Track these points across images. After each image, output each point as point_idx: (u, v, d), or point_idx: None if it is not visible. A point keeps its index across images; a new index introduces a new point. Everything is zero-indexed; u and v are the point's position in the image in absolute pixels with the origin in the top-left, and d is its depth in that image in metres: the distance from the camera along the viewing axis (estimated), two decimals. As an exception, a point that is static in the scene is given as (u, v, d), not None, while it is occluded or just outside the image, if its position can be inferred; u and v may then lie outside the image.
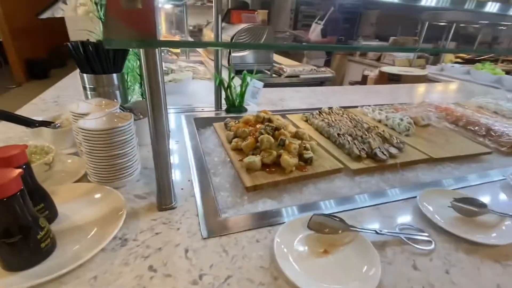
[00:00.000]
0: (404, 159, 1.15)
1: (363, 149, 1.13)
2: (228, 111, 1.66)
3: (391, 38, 4.22)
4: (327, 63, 4.80)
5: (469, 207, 0.82)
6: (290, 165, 1.00)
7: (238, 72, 3.02)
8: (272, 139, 1.09)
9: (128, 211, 0.77)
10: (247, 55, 2.86)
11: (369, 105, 1.72)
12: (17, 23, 6.84)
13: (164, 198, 0.82)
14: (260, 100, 1.93)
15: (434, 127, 1.56)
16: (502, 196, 0.99)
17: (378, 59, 4.39)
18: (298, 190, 0.99)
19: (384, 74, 3.27)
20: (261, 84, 1.77)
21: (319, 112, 1.54)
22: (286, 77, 3.10)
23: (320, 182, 1.03)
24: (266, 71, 3.08)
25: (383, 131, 1.30)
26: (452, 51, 6.47)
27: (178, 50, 3.70)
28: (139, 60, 1.35)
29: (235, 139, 1.19)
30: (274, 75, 3.12)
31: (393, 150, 1.16)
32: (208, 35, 4.24)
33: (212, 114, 1.63)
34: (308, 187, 1.00)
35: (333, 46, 4.26)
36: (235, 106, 1.66)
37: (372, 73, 3.55)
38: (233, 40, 2.75)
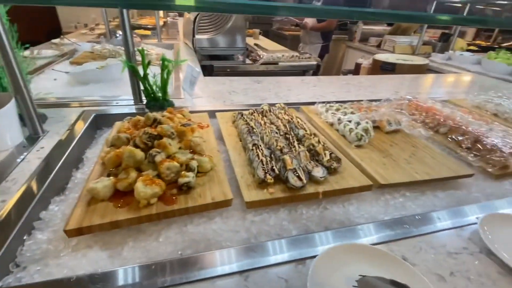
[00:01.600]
0: (331, 186, 0.80)
1: (272, 169, 0.80)
2: (148, 105, 1.34)
3: (395, 24, 3.70)
4: (325, 49, 4.33)
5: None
6: (144, 197, 0.68)
7: (206, 58, 2.69)
8: (138, 154, 0.77)
9: None
10: (215, 37, 2.49)
11: (325, 102, 1.36)
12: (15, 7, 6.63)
13: None
14: (202, 92, 1.60)
15: (404, 134, 1.19)
16: (459, 266, 0.64)
17: (379, 46, 3.90)
18: (156, 234, 0.68)
19: (377, 63, 2.83)
20: (198, 72, 1.43)
21: (253, 111, 1.20)
22: (263, 64, 2.72)
23: (193, 221, 0.71)
24: (239, 56, 2.71)
25: (318, 142, 0.95)
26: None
27: (148, 32, 3.37)
28: None
29: (108, 149, 0.87)
30: (248, 62, 2.75)
31: (318, 173, 0.81)
32: None
33: (127, 109, 1.32)
34: (170, 230, 0.68)
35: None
36: (157, 100, 1.33)
37: (366, 62, 3.11)
38: (196, 20, 2.39)
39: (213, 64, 2.58)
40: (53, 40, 2.68)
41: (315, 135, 1.00)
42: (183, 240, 0.66)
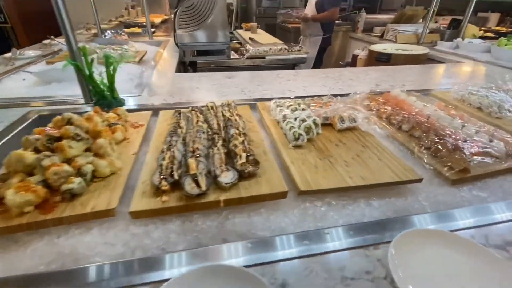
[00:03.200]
0: (238, 193, 0.71)
1: (171, 175, 0.72)
2: (96, 105, 1.30)
3: (398, 11, 3.42)
4: (327, 42, 4.13)
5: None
6: (13, 205, 0.62)
7: (188, 54, 2.63)
8: (28, 158, 0.72)
9: None
10: (196, 32, 2.42)
11: (282, 98, 1.25)
12: (26, 7, 6.94)
13: None
14: (163, 90, 1.53)
15: (359, 132, 1.06)
16: None
17: (382, 36, 3.65)
18: (27, 245, 0.63)
19: (373, 54, 2.63)
20: (141, 68, 1.37)
21: (192, 108, 1.12)
22: (249, 58, 2.63)
23: (68, 232, 0.65)
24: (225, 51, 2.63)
25: (242, 142, 0.85)
26: None
27: (139, 30, 3.37)
28: None
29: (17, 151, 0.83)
30: (233, 57, 2.66)
31: (226, 178, 0.73)
32: None
33: (75, 109, 1.29)
34: (41, 241, 0.63)
35: None
36: (105, 98, 1.29)
37: (363, 53, 2.91)
38: (177, 15, 2.33)
39: (196, 60, 2.52)
40: (44, 41, 2.74)
41: (244, 134, 0.91)
42: (51, 253, 0.60)
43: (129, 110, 1.18)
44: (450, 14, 3.97)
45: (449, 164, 0.87)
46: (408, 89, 1.58)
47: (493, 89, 1.36)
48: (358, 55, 2.94)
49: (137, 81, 1.61)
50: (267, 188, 0.73)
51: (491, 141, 0.96)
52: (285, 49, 2.69)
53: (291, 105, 1.17)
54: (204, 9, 2.34)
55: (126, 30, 2.98)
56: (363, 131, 1.06)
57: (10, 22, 6.96)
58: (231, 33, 4.42)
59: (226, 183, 0.71)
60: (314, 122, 1.03)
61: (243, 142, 0.85)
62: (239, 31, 4.62)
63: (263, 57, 2.64)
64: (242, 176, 0.75)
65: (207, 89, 1.57)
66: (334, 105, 1.14)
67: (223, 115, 1.05)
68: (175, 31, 2.40)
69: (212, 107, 1.13)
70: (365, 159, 0.89)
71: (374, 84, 1.71)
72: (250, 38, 3.54)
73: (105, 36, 2.82)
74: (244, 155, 0.78)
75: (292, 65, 2.73)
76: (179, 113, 1.08)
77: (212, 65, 2.56)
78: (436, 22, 4.79)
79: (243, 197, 0.70)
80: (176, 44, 2.48)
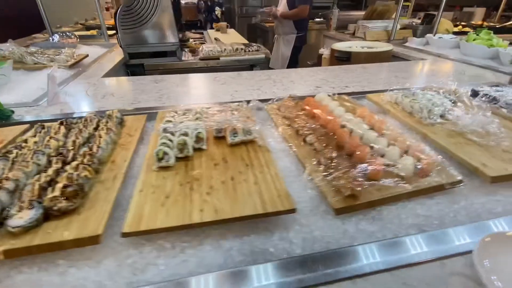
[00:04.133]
0: (30, 240, 0.54)
1: None
2: (-24, 117, 1.13)
3: (369, 7, 3.25)
4: (301, 40, 3.96)
5: None
6: None
7: (133, 57, 2.46)
8: None
9: None
10: (141, 33, 2.26)
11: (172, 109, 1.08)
12: None
13: None
14: (69, 97, 1.36)
15: (256, 147, 0.89)
16: None
17: (354, 34, 3.48)
18: None
19: (333, 53, 2.47)
20: (9, 70, 1.21)
21: (41, 124, 0.95)
22: (202, 60, 2.46)
23: None
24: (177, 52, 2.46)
25: (76, 167, 0.69)
26: None
27: (94, 32, 3.20)
28: None
29: None
30: (186, 59, 2.49)
31: (21, 220, 0.56)
32: None
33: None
34: None
35: None
36: (-16, 110, 1.13)
37: (326, 52, 2.74)
38: (117, 14, 2.16)
39: (143, 63, 2.36)
40: None
41: (91, 155, 0.74)
42: None
43: (12, 124, 1.03)
44: (436, 10, 3.79)
45: (339, 187, 0.70)
46: (352, 91, 1.42)
47: (433, 90, 1.20)
48: (322, 54, 2.77)
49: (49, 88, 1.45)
50: (75, 232, 0.56)
51: (402, 156, 0.80)
52: (242, 49, 2.53)
53: (185, 114, 1.00)
54: (146, 8, 2.17)
55: (76, 33, 2.82)
56: (260, 145, 0.90)
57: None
58: (201, 33, 4.26)
59: (13, 227, 0.54)
60: (198, 135, 0.86)
61: (77, 166, 0.68)
62: (210, 31, 4.46)
63: (217, 58, 2.47)
64: (52, 214, 0.59)
65: (120, 96, 1.41)
66: (225, 112, 0.98)
67: (89, 130, 0.88)
68: (117, 32, 2.23)
69: (88, 119, 0.96)
70: (236, 184, 0.72)
71: (314, 87, 1.54)
72: (215, 39, 3.38)
73: (52, 39, 2.66)
74: (59, 186, 0.61)
75: (250, 65, 2.56)
76: (43, 127, 0.91)
77: (161, 68, 2.39)
78: (419, 18, 4.63)
79: (33, 246, 0.54)
80: (121, 46, 2.31)
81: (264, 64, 2.60)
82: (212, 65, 2.47)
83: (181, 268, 0.55)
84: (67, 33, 2.72)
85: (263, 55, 2.57)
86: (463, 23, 4.15)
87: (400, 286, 0.51)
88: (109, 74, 1.90)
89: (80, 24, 3.82)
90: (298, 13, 3.65)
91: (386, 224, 0.65)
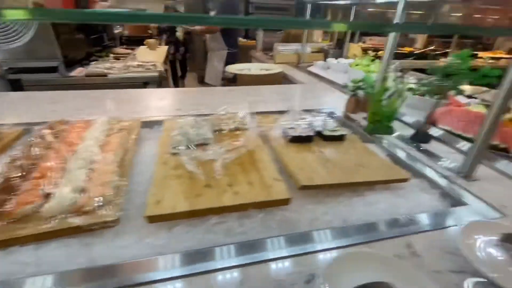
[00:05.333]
0: None
1: None
2: None
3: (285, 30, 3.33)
4: (233, 57, 3.95)
5: None
6: None
7: (14, 72, 2.36)
8: None
9: None
10: (17, 48, 2.17)
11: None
12: None
13: None
14: None
15: None
16: None
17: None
18: None
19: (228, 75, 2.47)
20: None
21: None
22: (88, 76, 2.38)
23: None
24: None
25: None
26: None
27: None
28: None
29: None
30: (70, 75, 2.41)
31: None
32: None
33: None
34: None
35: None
36: None
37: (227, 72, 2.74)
38: None
39: (21, 78, 2.26)
40: None
41: None
42: None
43: None
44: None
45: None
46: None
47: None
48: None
49: None
50: None
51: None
52: (131, 66, 2.48)
53: None
54: (17, 22, 2.10)
55: None
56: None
57: None
58: (133, 49, 4.21)
59: None
60: None
61: None
62: (142, 47, 4.42)
63: (105, 75, 2.40)
64: None
65: None
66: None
67: None
68: (-13, 46, 2.14)
69: None
70: None
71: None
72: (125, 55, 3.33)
73: None
74: None
75: (143, 83, 2.51)
76: None
77: (44, 83, 2.30)
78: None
79: None
80: (-3, 62, 2.21)
81: (158, 83, 2.55)
82: (99, 82, 2.39)
83: None
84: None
85: (157, 74, 2.52)
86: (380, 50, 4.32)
87: None
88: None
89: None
90: (209, 29, 3.61)
91: None
